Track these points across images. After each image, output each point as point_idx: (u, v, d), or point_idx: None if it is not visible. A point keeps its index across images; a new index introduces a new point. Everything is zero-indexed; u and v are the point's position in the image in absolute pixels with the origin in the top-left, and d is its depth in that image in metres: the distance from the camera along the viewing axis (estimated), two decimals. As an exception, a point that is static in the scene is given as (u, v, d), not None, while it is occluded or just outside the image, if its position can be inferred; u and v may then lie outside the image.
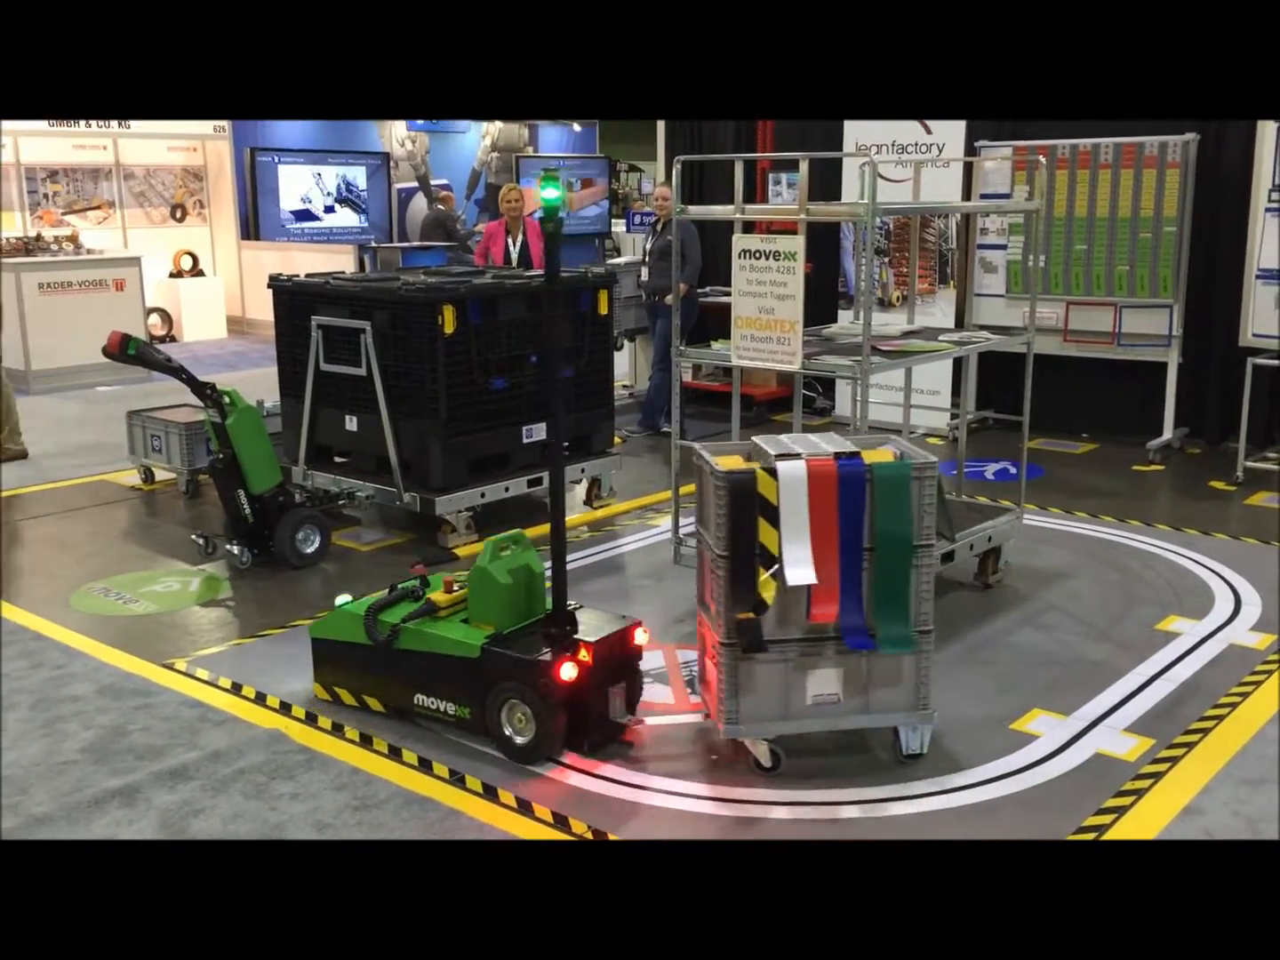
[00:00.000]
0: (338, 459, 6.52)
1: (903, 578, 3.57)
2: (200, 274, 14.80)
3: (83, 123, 13.44)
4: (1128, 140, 7.66)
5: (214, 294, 14.68)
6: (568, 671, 3.75)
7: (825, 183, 8.56)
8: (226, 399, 5.62)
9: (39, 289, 10.94)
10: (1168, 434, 7.87)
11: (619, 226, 17.48)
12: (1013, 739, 3.97)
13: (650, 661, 4.41)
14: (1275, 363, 7.13)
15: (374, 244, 15.02)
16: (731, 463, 3.67)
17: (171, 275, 14.51)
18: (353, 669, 4.25)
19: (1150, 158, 7.61)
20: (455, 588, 4.18)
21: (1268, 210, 7.18)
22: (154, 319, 13.60)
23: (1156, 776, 3.71)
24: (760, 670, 3.63)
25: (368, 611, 4.15)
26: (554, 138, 20.46)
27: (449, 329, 5.78)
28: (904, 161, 7.99)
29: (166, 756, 3.90)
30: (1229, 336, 7.58)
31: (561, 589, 3.91)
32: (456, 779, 3.75)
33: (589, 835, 3.41)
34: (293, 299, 6.42)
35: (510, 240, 8.40)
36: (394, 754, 3.92)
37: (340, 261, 12.83)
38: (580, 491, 6.94)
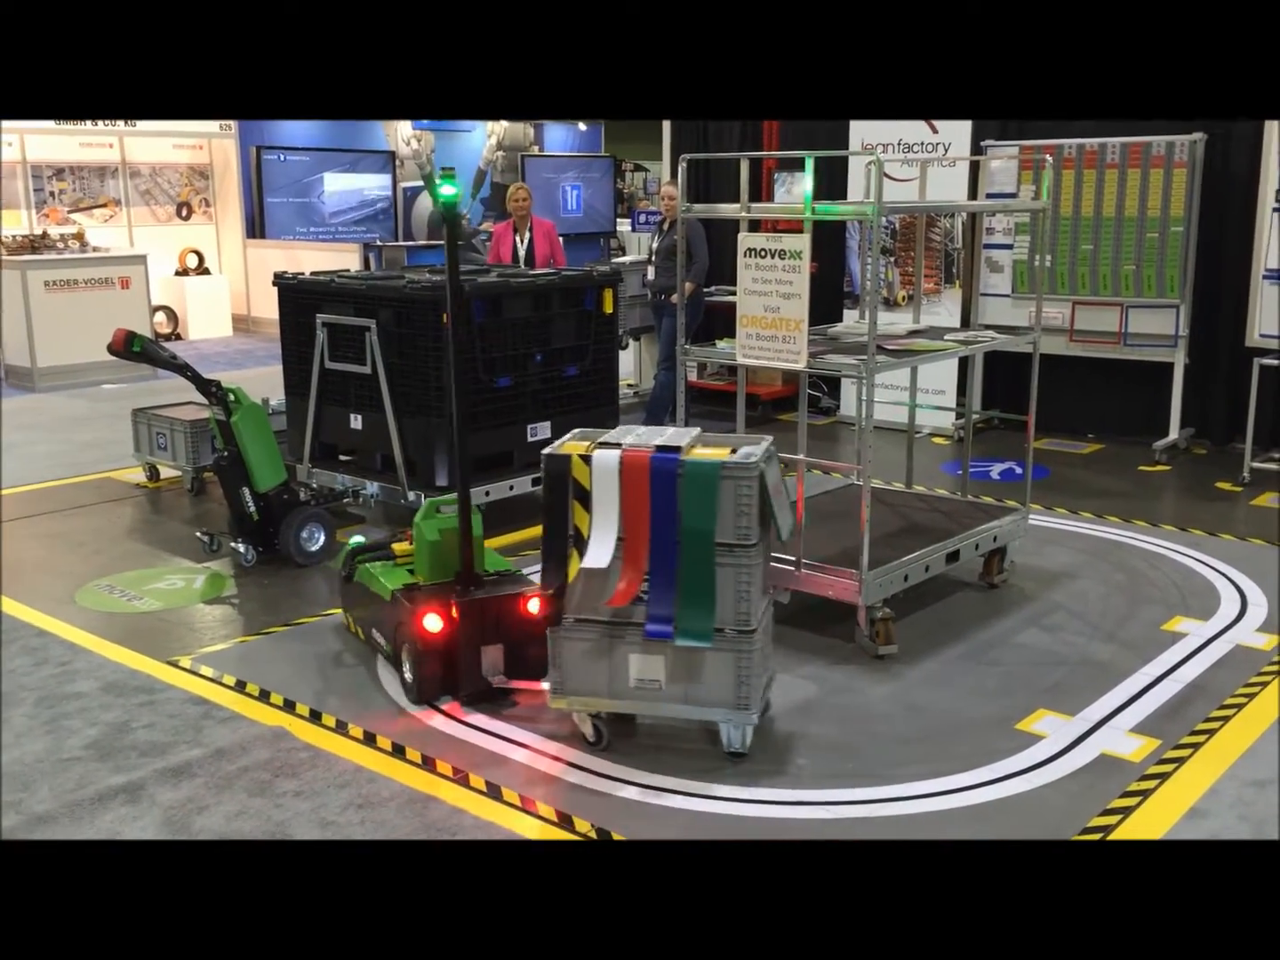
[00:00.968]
0: (342, 457, 6.52)
1: (707, 573, 3.62)
2: (206, 272, 14.82)
3: (89, 121, 13.46)
4: (1134, 140, 7.65)
5: (220, 292, 14.70)
6: (430, 622, 4.11)
7: (831, 182, 8.55)
8: (231, 396, 5.62)
9: (45, 287, 10.96)
10: (1174, 434, 7.85)
11: (624, 225, 17.48)
12: (1018, 739, 3.96)
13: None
14: (1282, 363, 7.12)
15: (379, 242, 15.03)
16: (575, 448, 3.77)
17: (177, 273, 14.53)
18: (347, 600, 4.92)
19: (1157, 157, 7.59)
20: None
21: (1275, 210, 7.16)
22: (159, 317, 13.62)
23: (1162, 778, 3.70)
24: (583, 647, 3.78)
25: (351, 550, 4.80)
26: (559, 137, 20.46)
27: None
28: (910, 161, 7.97)
29: (170, 754, 3.90)
30: (1235, 337, 7.56)
31: (468, 555, 4.26)
32: (460, 777, 3.75)
33: (593, 835, 3.40)
34: (298, 297, 6.42)
35: (518, 238, 8.41)
36: (398, 752, 3.91)
37: (346, 260, 12.84)
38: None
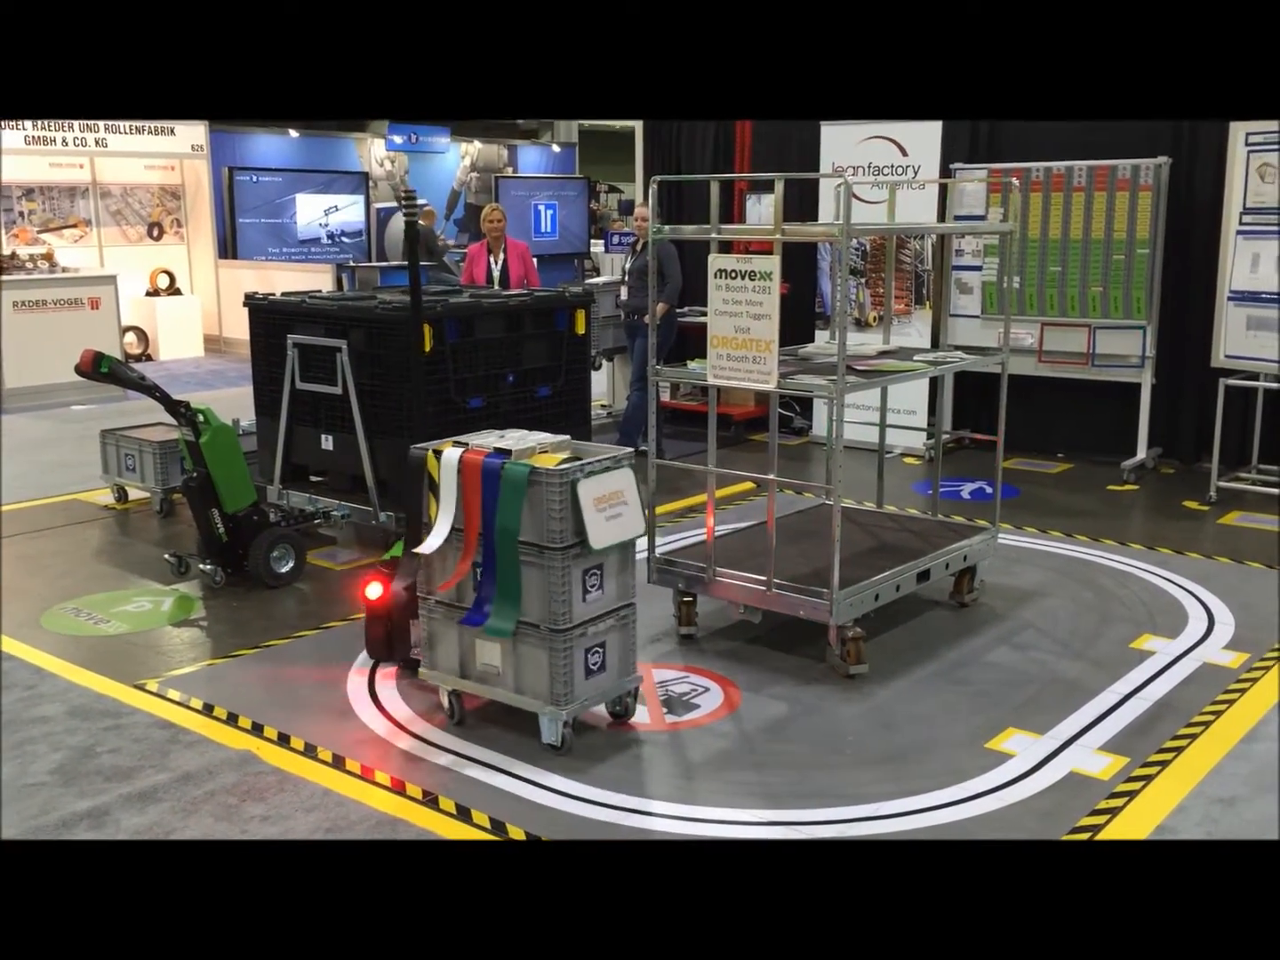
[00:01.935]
0: (313, 478, 6.48)
1: (512, 569, 3.91)
2: (178, 293, 14.75)
3: (60, 140, 13.40)
4: (1101, 163, 7.74)
5: (191, 313, 14.63)
6: (371, 590, 4.47)
7: (803, 202, 8.60)
8: (200, 417, 5.59)
9: (14, 307, 10.89)
10: (1142, 454, 7.92)
11: (598, 246, 17.54)
12: (988, 758, 3.97)
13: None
14: (1247, 383, 7.19)
15: (352, 263, 15.01)
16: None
17: (148, 294, 14.46)
18: None
19: (1123, 180, 7.69)
20: None
21: (1239, 233, 7.25)
22: (130, 337, 13.54)
23: (1131, 795, 3.71)
24: (443, 628, 4.16)
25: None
26: (533, 158, 20.53)
27: (426, 348, 5.76)
28: (880, 183, 8.04)
29: (136, 778, 3.86)
30: (1202, 358, 7.64)
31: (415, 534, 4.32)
32: (430, 800, 3.72)
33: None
34: (269, 317, 6.40)
35: (492, 259, 8.41)
36: (366, 775, 3.89)
37: (318, 280, 12.82)
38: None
